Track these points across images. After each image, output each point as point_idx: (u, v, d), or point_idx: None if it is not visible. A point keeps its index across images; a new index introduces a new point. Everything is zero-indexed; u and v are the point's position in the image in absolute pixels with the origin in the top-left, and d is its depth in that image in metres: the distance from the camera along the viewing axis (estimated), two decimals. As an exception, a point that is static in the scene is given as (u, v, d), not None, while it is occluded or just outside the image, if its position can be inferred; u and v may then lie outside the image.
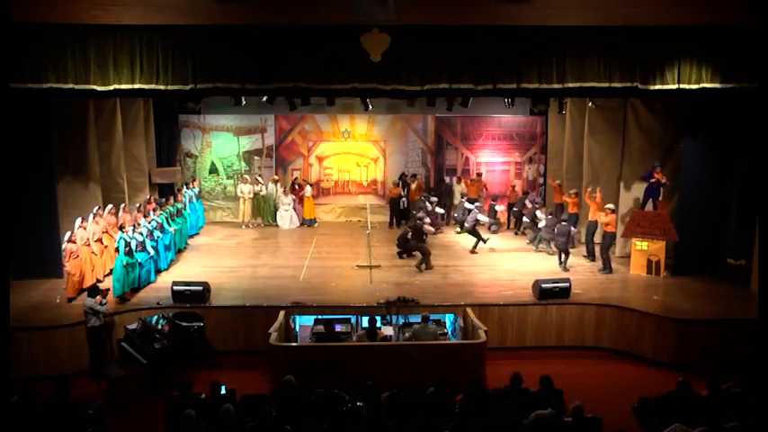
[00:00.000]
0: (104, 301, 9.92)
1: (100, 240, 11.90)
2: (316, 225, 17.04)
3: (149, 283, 11.77)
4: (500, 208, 15.85)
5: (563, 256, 12.78)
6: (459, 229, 15.79)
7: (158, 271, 12.35)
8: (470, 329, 10.09)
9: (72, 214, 12.12)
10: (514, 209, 15.96)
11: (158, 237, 12.42)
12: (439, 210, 15.79)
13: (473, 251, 14.17)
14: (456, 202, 16.59)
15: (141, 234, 11.71)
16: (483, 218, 14.44)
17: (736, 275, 11.88)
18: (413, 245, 13.21)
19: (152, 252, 11.83)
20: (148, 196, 14.75)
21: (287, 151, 17.77)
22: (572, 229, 13.08)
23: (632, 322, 10.63)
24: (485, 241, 14.18)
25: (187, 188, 15.99)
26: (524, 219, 15.17)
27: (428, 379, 8.07)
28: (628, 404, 8.61)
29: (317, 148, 17.82)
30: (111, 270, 11.64)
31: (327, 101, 14.38)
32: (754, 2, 9.67)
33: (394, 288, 11.56)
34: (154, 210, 13.14)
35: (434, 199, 15.99)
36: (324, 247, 14.86)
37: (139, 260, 11.38)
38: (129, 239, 11.20)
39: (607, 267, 12.60)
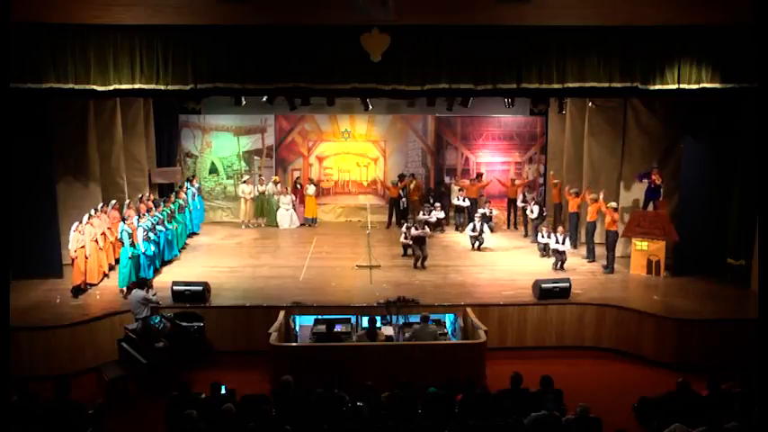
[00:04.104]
0: (154, 291, 10.15)
1: (104, 235, 11.91)
2: (316, 225, 17.04)
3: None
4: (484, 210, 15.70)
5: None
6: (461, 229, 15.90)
7: (156, 270, 12.33)
8: (470, 329, 10.09)
9: (72, 214, 12.12)
10: (519, 204, 15.99)
11: (160, 231, 12.45)
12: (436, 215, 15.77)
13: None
14: (454, 202, 16.60)
15: (145, 225, 11.75)
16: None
17: (736, 275, 11.88)
18: (413, 248, 13.16)
19: (153, 247, 11.82)
20: (148, 193, 14.75)
21: (287, 151, 17.77)
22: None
23: (632, 322, 10.63)
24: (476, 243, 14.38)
25: (190, 184, 15.99)
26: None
27: (428, 379, 8.07)
28: (628, 404, 8.61)
29: (316, 148, 17.81)
30: (116, 262, 11.76)
31: (327, 101, 14.37)
32: (754, 2, 9.67)
33: (394, 288, 11.55)
34: (156, 206, 13.14)
35: (437, 204, 16.06)
36: (324, 247, 14.86)
37: (144, 250, 11.42)
38: (129, 231, 11.25)
39: (610, 266, 12.60)
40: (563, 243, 12.69)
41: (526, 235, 15.40)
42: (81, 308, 10.65)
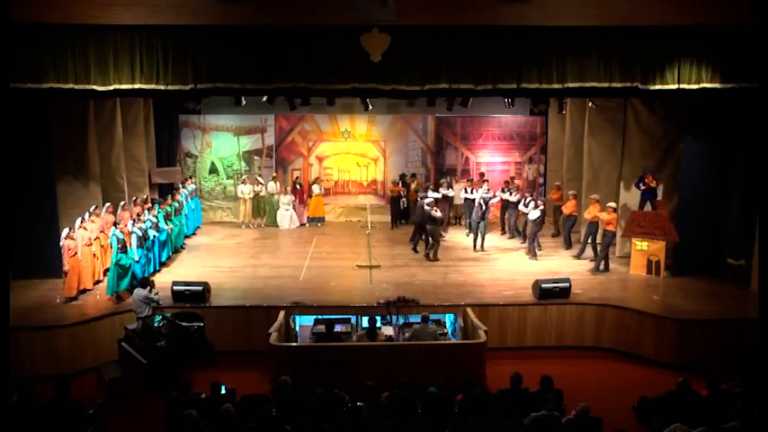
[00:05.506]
0: (156, 290, 10.12)
1: (98, 239, 11.87)
2: (320, 225, 17.04)
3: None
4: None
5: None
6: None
7: (151, 273, 12.24)
8: (470, 329, 10.09)
9: (72, 214, 12.11)
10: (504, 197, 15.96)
11: (154, 236, 12.38)
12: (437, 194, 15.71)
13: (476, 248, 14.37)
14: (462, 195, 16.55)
15: (140, 230, 11.68)
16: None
17: (736, 275, 11.88)
18: (429, 229, 13.45)
19: (138, 256, 11.61)
20: (145, 195, 14.72)
21: (287, 151, 17.77)
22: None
23: (632, 322, 10.62)
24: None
25: (183, 187, 15.97)
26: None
27: (428, 379, 8.07)
28: (628, 404, 8.60)
29: (316, 148, 17.82)
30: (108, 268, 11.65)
31: (327, 101, 14.37)
32: (754, 2, 9.67)
33: (394, 288, 11.55)
34: (149, 209, 13.12)
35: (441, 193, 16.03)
36: (324, 247, 14.86)
37: (137, 258, 11.35)
38: (121, 236, 11.17)
39: (605, 267, 12.57)
40: (526, 206, 13.54)
41: (522, 238, 15.11)
42: (81, 308, 10.66)
